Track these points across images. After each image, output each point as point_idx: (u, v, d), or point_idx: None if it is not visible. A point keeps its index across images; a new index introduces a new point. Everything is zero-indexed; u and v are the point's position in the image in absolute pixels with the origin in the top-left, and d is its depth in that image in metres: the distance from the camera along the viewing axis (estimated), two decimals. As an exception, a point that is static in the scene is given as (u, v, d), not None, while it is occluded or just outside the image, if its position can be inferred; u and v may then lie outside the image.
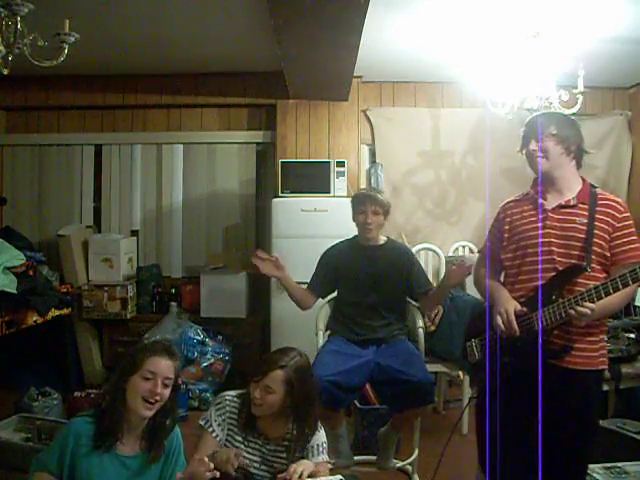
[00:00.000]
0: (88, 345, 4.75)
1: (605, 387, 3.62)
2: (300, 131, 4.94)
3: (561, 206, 2.16)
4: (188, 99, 5.01)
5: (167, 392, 1.90)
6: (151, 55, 4.44)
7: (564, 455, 2.05)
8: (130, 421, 1.89)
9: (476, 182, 4.93)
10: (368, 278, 3.03)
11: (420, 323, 3.14)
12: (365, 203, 3.01)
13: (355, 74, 4.31)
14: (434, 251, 4.48)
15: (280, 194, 4.56)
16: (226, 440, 2.10)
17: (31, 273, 4.07)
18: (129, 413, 1.88)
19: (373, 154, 5.08)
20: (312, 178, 4.60)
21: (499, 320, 2.13)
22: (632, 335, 3.73)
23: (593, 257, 2.06)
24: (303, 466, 1.95)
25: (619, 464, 2.13)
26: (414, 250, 4.09)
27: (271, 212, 4.50)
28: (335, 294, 3.22)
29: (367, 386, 3.40)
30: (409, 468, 3.20)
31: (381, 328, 3.02)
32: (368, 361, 2.87)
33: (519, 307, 2.13)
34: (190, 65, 4.74)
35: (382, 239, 3.13)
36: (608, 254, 2.09)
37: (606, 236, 2.09)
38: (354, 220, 3.11)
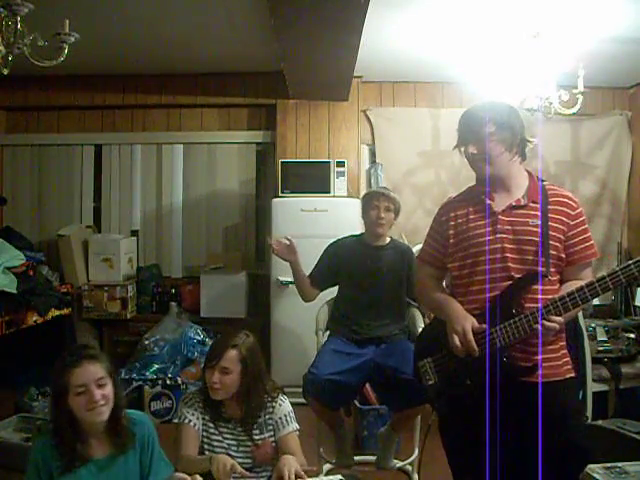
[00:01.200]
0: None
1: (605, 387, 3.63)
2: (300, 131, 4.94)
3: (511, 207, 1.96)
4: (188, 99, 5.01)
5: (108, 390, 1.84)
6: (151, 55, 4.44)
7: (549, 471, 1.88)
8: (89, 430, 1.85)
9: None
10: (369, 277, 3.03)
11: (420, 323, 3.14)
12: (379, 199, 3.02)
13: (355, 74, 4.31)
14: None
15: (280, 194, 4.56)
16: (202, 434, 2.16)
17: (31, 273, 4.07)
18: (84, 425, 1.84)
19: (373, 154, 5.08)
20: (312, 178, 4.60)
21: (456, 340, 1.91)
22: (632, 335, 3.73)
23: (550, 261, 1.91)
24: (291, 467, 1.96)
25: (619, 464, 2.12)
26: (414, 250, 4.09)
27: (271, 212, 4.50)
28: (335, 293, 3.21)
29: (367, 386, 3.40)
30: (409, 468, 3.20)
31: (381, 327, 3.02)
32: (367, 360, 2.87)
33: (476, 324, 1.91)
34: (190, 65, 4.74)
35: (387, 239, 3.13)
36: (563, 255, 1.95)
37: (561, 236, 1.93)
38: (363, 217, 3.11)
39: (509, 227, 1.95)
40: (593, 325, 3.73)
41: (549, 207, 1.94)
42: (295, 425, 2.22)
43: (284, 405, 2.22)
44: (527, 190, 1.99)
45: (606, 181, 4.99)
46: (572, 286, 1.86)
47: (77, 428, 1.83)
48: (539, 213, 1.93)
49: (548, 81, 3.55)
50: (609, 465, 2.10)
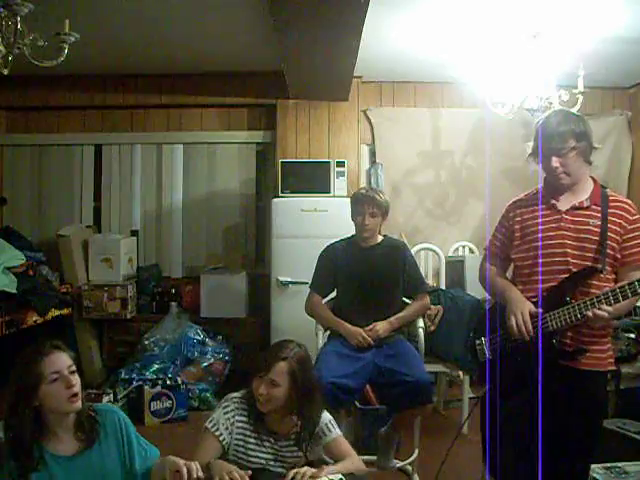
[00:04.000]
0: (88, 345, 4.75)
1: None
2: (300, 131, 4.94)
3: (575, 207, 2.15)
4: (188, 99, 5.01)
5: (78, 378, 1.81)
6: (151, 55, 4.44)
7: (571, 455, 2.07)
8: (59, 425, 1.81)
9: (476, 182, 4.93)
10: (366, 278, 3.03)
11: (420, 323, 3.14)
12: (363, 204, 3.00)
13: (355, 74, 4.31)
14: (434, 251, 4.48)
15: (280, 194, 4.56)
16: (236, 443, 2.06)
17: (31, 273, 4.07)
18: (54, 419, 1.79)
19: (373, 154, 5.08)
20: (312, 178, 4.60)
21: (514, 322, 2.12)
22: (632, 335, 3.73)
23: (607, 259, 2.07)
24: (302, 470, 1.91)
25: (619, 464, 2.13)
26: (414, 250, 4.09)
27: (271, 212, 4.50)
28: (334, 294, 3.21)
29: (367, 386, 3.40)
30: (409, 468, 3.20)
31: (380, 328, 3.01)
32: (368, 362, 2.87)
33: (534, 308, 2.12)
34: (190, 65, 4.74)
35: (379, 238, 3.12)
36: (619, 255, 2.10)
37: (618, 238, 2.09)
38: (352, 219, 3.11)
39: (572, 225, 2.12)
40: (593, 325, 3.73)
41: (609, 211, 2.11)
42: (338, 431, 2.14)
43: (324, 415, 2.14)
44: (591, 194, 2.16)
45: (606, 181, 4.97)
46: (623, 283, 2.01)
47: (41, 423, 1.77)
48: (600, 215, 2.11)
49: (548, 81, 3.55)
50: (609, 465, 2.11)
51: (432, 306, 3.53)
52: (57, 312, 4.26)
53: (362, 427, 3.52)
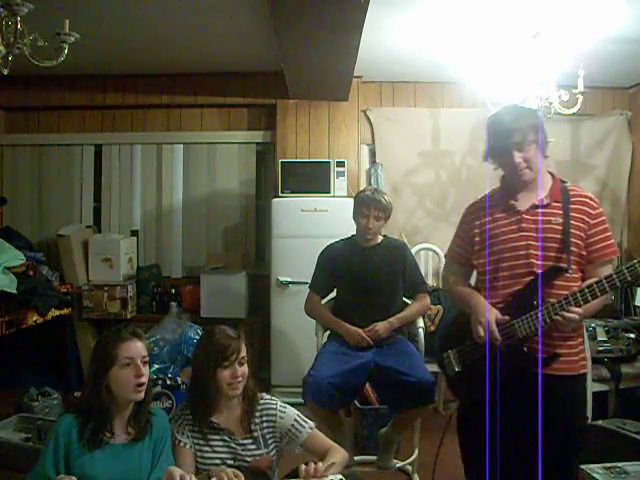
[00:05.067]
0: (88, 345, 4.74)
1: (605, 387, 3.62)
2: (300, 131, 4.94)
3: (534, 206, 2.07)
4: (188, 99, 5.01)
5: (147, 369, 1.93)
6: (151, 55, 4.44)
7: (553, 461, 1.99)
8: (118, 411, 1.92)
9: (476, 182, 4.92)
10: (366, 278, 3.03)
11: (420, 323, 3.14)
12: (369, 207, 3.00)
13: (355, 74, 4.31)
14: (434, 251, 4.48)
15: (280, 194, 4.56)
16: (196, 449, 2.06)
17: (31, 273, 4.07)
18: (117, 403, 1.90)
19: (373, 154, 5.08)
20: (312, 178, 4.60)
21: (480, 331, 2.03)
22: (632, 335, 3.73)
23: (571, 257, 2.00)
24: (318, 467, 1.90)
25: (619, 464, 2.12)
26: (414, 250, 4.09)
27: (271, 212, 4.50)
28: (334, 294, 3.21)
29: (367, 386, 3.40)
30: (409, 468, 3.20)
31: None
32: (367, 362, 2.87)
33: (500, 315, 2.03)
34: (190, 65, 4.74)
35: (379, 238, 3.13)
36: (584, 252, 2.03)
37: (582, 234, 2.03)
38: (354, 219, 3.10)
39: (533, 225, 2.05)
40: (593, 325, 3.73)
41: (570, 206, 2.05)
42: (310, 423, 2.12)
43: (287, 412, 2.13)
44: (550, 190, 2.10)
45: (606, 181, 4.99)
46: (591, 281, 1.95)
47: (108, 407, 1.87)
48: (561, 212, 2.04)
49: (548, 81, 3.55)
50: (609, 465, 2.10)
51: (432, 306, 3.54)
52: (57, 312, 4.26)
53: (362, 427, 3.52)
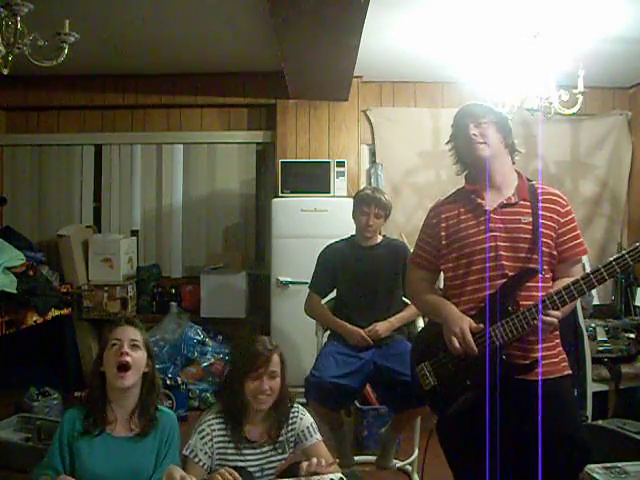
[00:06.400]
0: (88, 345, 4.75)
1: (605, 387, 3.63)
2: (300, 131, 4.94)
3: (502, 205, 1.99)
4: (188, 99, 5.01)
5: (138, 355, 1.96)
6: (151, 55, 4.44)
7: (547, 466, 1.87)
8: (115, 400, 1.96)
9: (476, 182, 4.93)
10: (366, 278, 3.03)
11: (420, 323, 3.14)
12: (369, 205, 3.01)
13: (355, 74, 4.30)
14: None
15: (280, 194, 4.56)
16: (218, 463, 2.02)
17: (31, 273, 4.07)
18: (112, 391, 1.96)
19: (373, 154, 5.08)
20: (312, 178, 4.60)
21: (455, 342, 1.90)
22: (632, 335, 3.74)
23: (543, 257, 1.92)
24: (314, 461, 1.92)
25: (619, 464, 2.12)
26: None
27: (271, 212, 4.50)
28: (334, 294, 3.21)
29: (367, 386, 3.40)
30: (409, 468, 3.20)
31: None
32: (368, 362, 2.87)
33: (474, 324, 1.91)
34: (190, 65, 4.74)
35: (379, 238, 3.13)
36: (555, 252, 1.97)
37: (552, 233, 1.95)
38: (354, 218, 3.10)
39: (501, 225, 1.97)
40: (593, 325, 3.74)
41: (539, 205, 1.97)
42: (319, 436, 2.13)
43: (305, 418, 2.14)
44: (517, 189, 2.03)
45: (606, 181, 4.98)
46: (566, 281, 1.88)
47: (104, 394, 1.95)
48: (530, 210, 1.96)
49: (548, 81, 3.54)
50: (609, 465, 2.10)
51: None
52: (57, 312, 4.26)
53: (362, 427, 3.53)
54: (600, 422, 2.82)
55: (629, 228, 5.06)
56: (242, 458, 2.03)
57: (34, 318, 3.97)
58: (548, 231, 1.95)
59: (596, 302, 4.39)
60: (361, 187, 4.76)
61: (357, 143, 4.94)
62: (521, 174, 2.07)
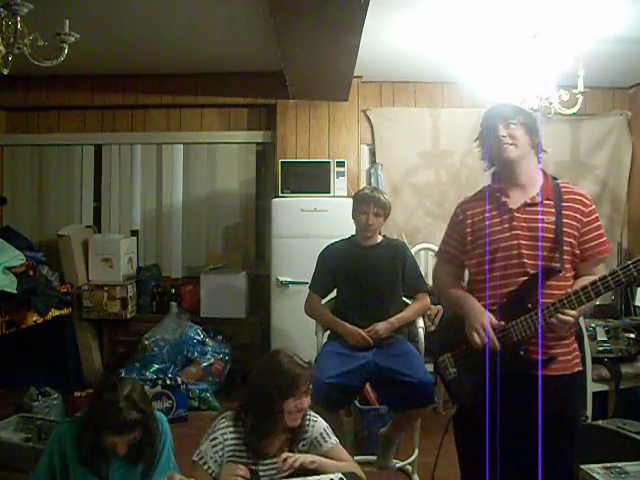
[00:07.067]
0: (88, 345, 4.75)
1: (605, 387, 3.63)
2: (300, 131, 4.94)
3: (526, 204, 2.03)
4: (188, 99, 5.01)
5: (136, 436, 1.91)
6: (151, 55, 4.44)
7: (553, 459, 1.97)
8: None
9: (476, 182, 4.90)
10: (366, 278, 3.03)
11: (420, 323, 3.14)
12: (369, 204, 3.01)
13: (355, 74, 4.31)
14: (434, 251, 4.46)
15: (280, 194, 4.56)
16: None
17: (31, 273, 4.08)
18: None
19: (373, 154, 5.08)
20: (312, 178, 4.60)
21: (476, 337, 1.99)
22: (632, 335, 3.74)
23: (564, 257, 1.96)
24: (296, 456, 1.94)
25: (619, 464, 2.12)
26: (414, 250, 4.09)
27: (271, 212, 4.50)
28: (334, 294, 3.21)
29: (367, 386, 3.40)
30: (409, 468, 3.20)
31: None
32: (367, 362, 2.87)
33: (495, 320, 1.99)
34: (190, 65, 4.74)
35: (379, 238, 3.13)
36: (577, 251, 2.00)
37: (575, 233, 1.99)
38: (353, 218, 3.10)
39: (524, 224, 2.01)
40: (593, 325, 3.74)
41: (563, 204, 2.00)
42: (334, 439, 2.11)
43: (318, 423, 2.12)
44: (541, 188, 2.06)
45: (606, 181, 4.98)
46: (585, 281, 1.92)
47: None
48: (553, 210, 2.00)
49: (548, 81, 3.54)
50: (609, 465, 2.10)
51: (432, 306, 3.54)
52: (57, 312, 4.26)
53: (362, 427, 3.53)
54: (600, 422, 2.82)
55: (629, 228, 5.06)
56: (261, 472, 2.01)
57: (34, 318, 3.97)
58: (571, 230, 1.99)
59: (596, 302, 4.39)
60: (361, 187, 4.76)
61: (357, 143, 4.94)
62: (546, 173, 2.11)
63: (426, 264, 4.61)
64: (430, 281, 4.46)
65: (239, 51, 4.34)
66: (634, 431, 2.62)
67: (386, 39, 3.93)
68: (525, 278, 1.98)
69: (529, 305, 1.95)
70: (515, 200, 2.05)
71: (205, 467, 1.96)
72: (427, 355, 3.15)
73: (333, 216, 4.31)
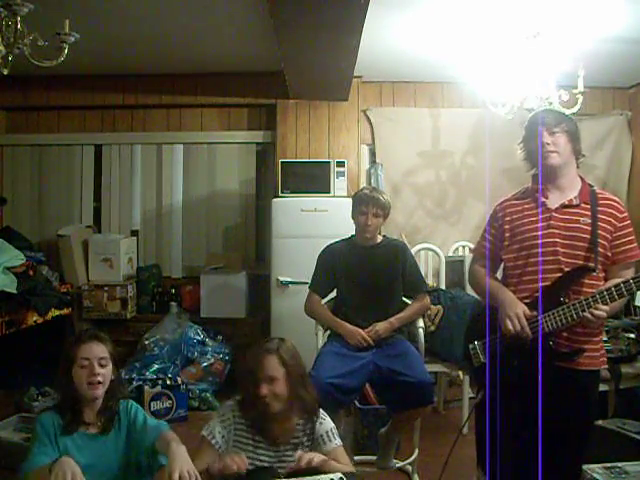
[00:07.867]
0: (88, 345, 4.75)
1: (605, 387, 3.62)
2: (300, 131, 4.94)
3: (564, 205, 2.16)
4: (188, 99, 5.01)
5: (106, 370, 2.07)
6: (151, 55, 4.44)
7: (567, 453, 2.09)
8: (86, 404, 2.07)
9: (476, 182, 4.93)
10: (366, 278, 3.03)
11: (420, 323, 3.14)
12: (368, 204, 3.00)
13: (355, 74, 4.31)
14: (434, 251, 4.47)
15: (280, 194, 4.56)
16: (234, 451, 2.04)
17: (31, 273, 4.07)
18: (82, 398, 2.05)
19: (373, 154, 5.08)
20: (312, 178, 4.60)
21: (509, 325, 2.11)
22: (632, 335, 3.73)
23: (598, 257, 2.08)
24: (311, 455, 1.94)
25: (619, 464, 2.13)
26: (414, 250, 4.09)
27: (271, 212, 4.50)
28: (334, 294, 3.21)
29: (367, 386, 3.40)
30: (409, 468, 3.20)
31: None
32: (367, 362, 2.87)
33: (528, 311, 2.11)
34: (190, 65, 4.74)
35: (379, 238, 3.13)
36: (609, 254, 2.11)
37: (608, 236, 2.11)
38: (353, 218, 3.10)
39: (561, 224, 2.14)
40: (593, 325, 3.73)
41: (598, 209, 2.13)
42: (338, 441, 2.12)
43: (325, 423, 2.14)
44: (579, 192, 2.19)
45: (606, 181, 4.98)
46: (617, 280, 2.03)
47: (77, 401, 2.06)
48: (589, 213, 2.13)
49: (548, 81, 3.54)
50: (609, 465, 2.11)
51: (432, 306, 3.53)
52: (57, 312, 4.26)
53: (362, 427, 3.53)
54: (600, 422, 2.82)
55: (629, 228, 5.06)
56: (258, 451, 2.06)
57: (34, 318, 3.97)
58: (605, 233, 2.11)
59: (625, 302, 4.40)
60: (361, 187, 4.77)
61: (357, 143, 4.94)
62: (584, 179, 2.24)
63: (426, 264, 4.60)
64: (430, 281, 4.50)
65: (239, 51, 4.34)
66: (634, 431, 2.62)
67: (386, 39, 3.94)
68: (559, 274, 2.09)
69: (562, 299, 2.07)
70: (554, 201, 2.18)
71: (213, 442, 2.03)
72: (427, 355, 3.16)
73: (333, 216, 4.31)
